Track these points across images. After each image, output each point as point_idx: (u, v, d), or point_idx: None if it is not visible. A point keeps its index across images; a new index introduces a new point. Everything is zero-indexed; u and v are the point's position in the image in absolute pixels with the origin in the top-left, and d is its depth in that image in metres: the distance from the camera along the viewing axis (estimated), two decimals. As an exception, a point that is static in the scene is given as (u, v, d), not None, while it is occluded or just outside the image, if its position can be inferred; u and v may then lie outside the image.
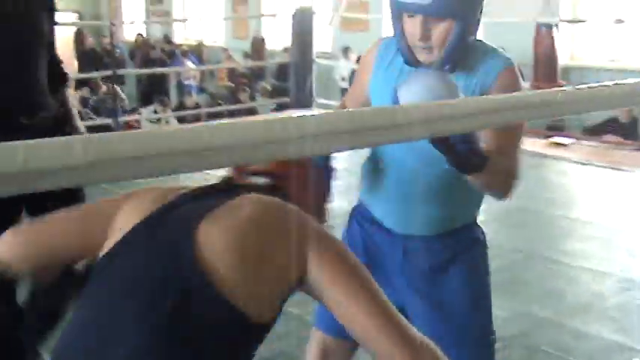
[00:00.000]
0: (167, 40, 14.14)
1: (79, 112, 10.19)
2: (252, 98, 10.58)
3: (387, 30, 9.99)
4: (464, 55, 1.70)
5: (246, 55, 12.28)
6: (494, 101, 0.92)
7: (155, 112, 9.65)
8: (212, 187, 1.36)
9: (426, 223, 1.83)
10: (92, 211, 1.37)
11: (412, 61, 1.72)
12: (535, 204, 4.94)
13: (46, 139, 0.60)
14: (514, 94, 1.03)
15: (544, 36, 8.08)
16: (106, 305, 1.19)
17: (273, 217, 1.25)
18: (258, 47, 12.08)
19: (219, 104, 10.13)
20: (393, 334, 1.17)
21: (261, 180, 1.43)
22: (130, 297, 1.17)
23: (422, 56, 1.70)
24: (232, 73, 11.82)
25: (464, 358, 1.77)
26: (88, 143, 0.61)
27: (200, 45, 13.53)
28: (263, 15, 12.83)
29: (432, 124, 0.87)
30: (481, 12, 1.73)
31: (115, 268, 1.21)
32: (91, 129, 7.77)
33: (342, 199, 5.25)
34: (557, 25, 8.20)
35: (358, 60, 10.64)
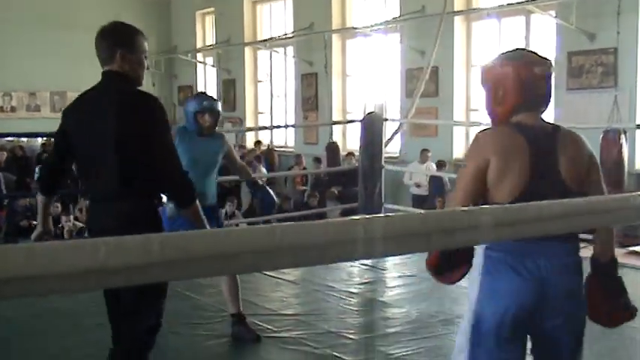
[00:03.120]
0: (240, 146, 14.58)
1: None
2: (322, 203, 10.70)
3: (457, 134, 10.06)
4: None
5: (317, 160, 12.50)
6: (567, 206, 0.91)
7: (226, 214, 9.84)
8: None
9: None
10: None
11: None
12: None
13: (127, 237, 0.62)
14: (591, 198, 1.02)
15: (610, 142, 7.96)
16: None
17: None
18: (333, 152, 12.30)
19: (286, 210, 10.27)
20: None
21: None
22: None
23: None
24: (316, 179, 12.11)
25: None
26: (165, 241, 0.63)
27: (271, 150, 13.92)
28: (334, 122, 13.14)
29: (505, 228, 0.87)
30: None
31: None
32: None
33: (412, 305, 5.14)
34: (625, 132, 8.07)
35: (438, 164, 10.64)
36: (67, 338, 4.33)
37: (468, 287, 2.42)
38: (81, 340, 4.22)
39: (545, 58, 2.39)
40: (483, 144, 2.34)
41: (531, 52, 2.47)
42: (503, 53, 2.46)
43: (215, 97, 4.55)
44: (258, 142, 14.76)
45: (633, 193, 0.92)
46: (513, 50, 2.47)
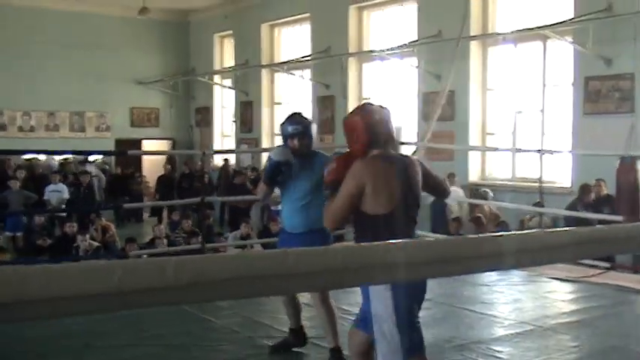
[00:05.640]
0: (253, 167, 14.60)
1: (168, 236, 10.48)
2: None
3: (473, 158, 9.99)
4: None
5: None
6: (582, 234, 0.91)
7: (241, 237, 9.83)
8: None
9: None
10: None
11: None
12: (629, 342, 4.68)
13: (141, 260, 0.63)
14: (603, 227, 1.02)
15: (627, 168, 7.89)
16: None
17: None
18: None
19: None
20: None
21: None
22: None
23: None
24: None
25: None
26: (180, 265, 0.64)
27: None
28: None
29: (523, 254, 0.86)
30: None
31: None
32: (181, 253, 7.96)
33: (427, 330, 5.08)
34: (642, 158, 8.01)
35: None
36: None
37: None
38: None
39: (383, 107, 3.35)
40: (360, 170, 3.06)
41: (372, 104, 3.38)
42: (356, 107, 3.41)
43: (309, 117, 4.39)
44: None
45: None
46: (362, 105, 3.47)
